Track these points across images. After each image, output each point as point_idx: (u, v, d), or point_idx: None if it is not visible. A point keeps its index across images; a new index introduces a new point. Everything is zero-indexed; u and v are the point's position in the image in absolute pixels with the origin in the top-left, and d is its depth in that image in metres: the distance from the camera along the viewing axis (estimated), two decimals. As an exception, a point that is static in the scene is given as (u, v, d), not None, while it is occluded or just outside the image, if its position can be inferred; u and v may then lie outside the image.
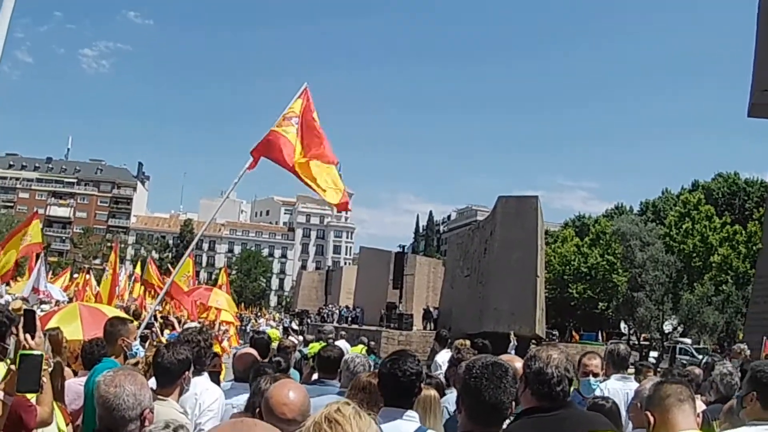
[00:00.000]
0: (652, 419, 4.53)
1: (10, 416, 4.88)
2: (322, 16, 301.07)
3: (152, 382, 5.86)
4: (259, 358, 9.37)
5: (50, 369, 5.88)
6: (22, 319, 5.63)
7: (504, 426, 4.33)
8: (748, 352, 12.24)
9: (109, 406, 4.31)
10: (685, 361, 45.72)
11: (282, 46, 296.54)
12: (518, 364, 5.76)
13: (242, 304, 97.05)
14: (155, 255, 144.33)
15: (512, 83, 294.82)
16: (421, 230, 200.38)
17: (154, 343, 12.15)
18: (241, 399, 7.23)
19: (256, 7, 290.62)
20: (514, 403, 4.23)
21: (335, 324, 58.00)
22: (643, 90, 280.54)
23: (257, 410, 5.17)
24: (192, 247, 13.25)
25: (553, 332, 57.62)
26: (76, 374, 8.57)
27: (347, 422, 2.86)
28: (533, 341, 36.02)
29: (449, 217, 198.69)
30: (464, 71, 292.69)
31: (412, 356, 5.74)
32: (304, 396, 4.38)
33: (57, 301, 25.94)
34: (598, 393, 8.42)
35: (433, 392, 6.95)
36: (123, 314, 11.47)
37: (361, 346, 23.21)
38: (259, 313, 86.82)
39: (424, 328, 56.72)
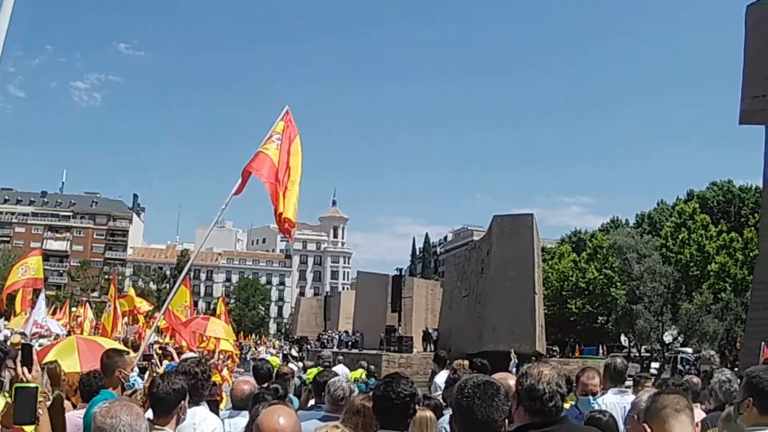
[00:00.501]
0: (649, 431, 4.53)
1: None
2: (312, 36, 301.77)
3: (150, 413, 5.88)
4: (257, 385, 9.38)
5: (49, 402, 5.89)
6: (19, 353, 5.66)
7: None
8: (717, 359, 12.23)
9: None
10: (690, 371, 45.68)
11: (275, 68, 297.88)
12: (512, 381, 5.78)
13: (241, 333, 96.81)
14: (153, 287, 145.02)
15: (503, 101, 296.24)
16: (417, 252, 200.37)
17: (153, 374, 12.15)
18: (240, 425, 7.24)
19: (247, 31, 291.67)
20: (507, 420, 4.23)
21: (335, 349, 58.07)
22: (635, 103, 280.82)
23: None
24: (184, 274, 13.19)
25: (554, 348, 57.74)
26: (75, 407, 8.57)
27: None
28: (534, 358, 36.03)
29: (446, 238, 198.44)
30: (454, 90, 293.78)
31: (405, 378, 5.76)
32: (295, 421, 4.41)
33: (56, 335, 25.89)
34: (595, 407, 8.43)
35: (429, 413, 6.94)
36: (120, 346, 11.49)
37: (360, 370, 23.22)
38: (258, 341, 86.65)
39: (425, 350, 56.61)
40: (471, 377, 4.46)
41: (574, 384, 9.24)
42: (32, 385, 4.99)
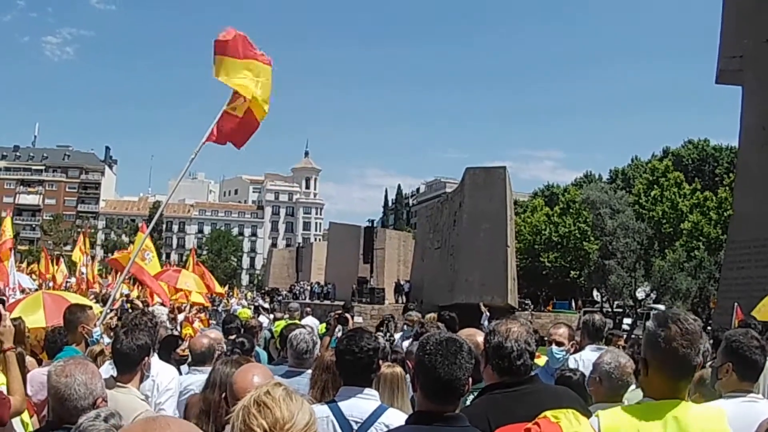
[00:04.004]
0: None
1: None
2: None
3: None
4: (219, 339, 9.25)
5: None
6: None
7: (461, 403, 4.26)
8: (621, 342, 12.16)
9: (61, 397, 4.25)
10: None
11: (245, 22, 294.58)
12: (479, 338, 5.69)
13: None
14: (125, 239, 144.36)
15: (475, 57, 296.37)
16: (390, 204, 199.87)
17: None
18: (199, 380, 7.10)
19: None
20: (471, 379, 4.13)
21: (307, 300, 58.20)
22: (613, 63, 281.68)
23: (217, 388, 5.13)
24: (153, 224, 13.01)
25: (526, 302, 57.86)
26: (40, 363, 8.46)
27: (276, 405, 2.78)
28: (509, 312, 36.17)
29: (418, 190, 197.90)
30: (427, 46, 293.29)
31: (369, 333, 5.68)
32: (269, 377, 4.30)
33: (25, 289, 25.67)
34: (572, 364, 8.36)
35: (399, 369, 6.87)
36: (86, 300, 11.37)
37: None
38: (230, 293, 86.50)
39: (396, 301, 56.58)
40: (433, 334, 4.35)
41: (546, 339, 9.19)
42: None
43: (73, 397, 4.22)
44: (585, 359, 8.44)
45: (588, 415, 3.85)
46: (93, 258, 33.87)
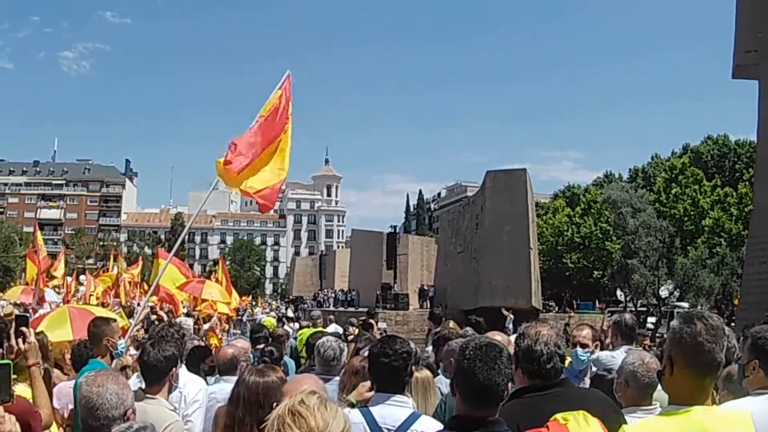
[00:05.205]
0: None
1: (19, 423, 4.76)
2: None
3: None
4: (247, 348, 9.26)
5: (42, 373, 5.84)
6: (13, 324, 5.58)
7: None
8: (647, 341, 11.99)
9: (92, 406, 4.23)
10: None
11: (263, 31, 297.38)
12: (498, 337, 5.66)
13: (238, 294, 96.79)
14: (148, 251, 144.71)
15: (491, 58, 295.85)
16: (411, 209, 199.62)
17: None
18: (225, 390, 7.07)
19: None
20: (510, 384, 4.09)
21: (331, 308, 58.17)
22: (629, 58, 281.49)
23: (242, 404, 5.11)
24: (179, 243, 12.89)
25: (550, 303, 57.77)
26: (68, 377, 8.48)
27: (311, 414, 2.76)
28: (533, 314, 36.06)
29: (439, 194, 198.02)
30: (442, 50, 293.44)
31: (401, 338, 5.65)
32: (321, 389, 4.32)
33: (52, 303, 25.77)
34: (607, 363, 8.28)
35: (427, 373, 6.88)
36: (110, 314, 11.38)
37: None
38: (255, 303, 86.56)
39: (421, 306, 56.57)
40: (473, 338, 4.32)
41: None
42: (4, 361, 4.84)
43: (105, 406, 4.20)
44: (619, 359, 8.37)
45: (621, 416, 3.80)
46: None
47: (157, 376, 5.96)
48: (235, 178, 9.89)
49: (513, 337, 6.43)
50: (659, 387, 5.76)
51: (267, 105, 10.29)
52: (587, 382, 8.24)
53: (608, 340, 9.23)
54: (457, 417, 4.16)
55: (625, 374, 5.95)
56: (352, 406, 5.74)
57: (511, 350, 4.78)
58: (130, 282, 33.61)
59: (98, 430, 4.20)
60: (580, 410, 3.68)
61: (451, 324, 11.84)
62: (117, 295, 29.14)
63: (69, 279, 36.68)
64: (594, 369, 8.46)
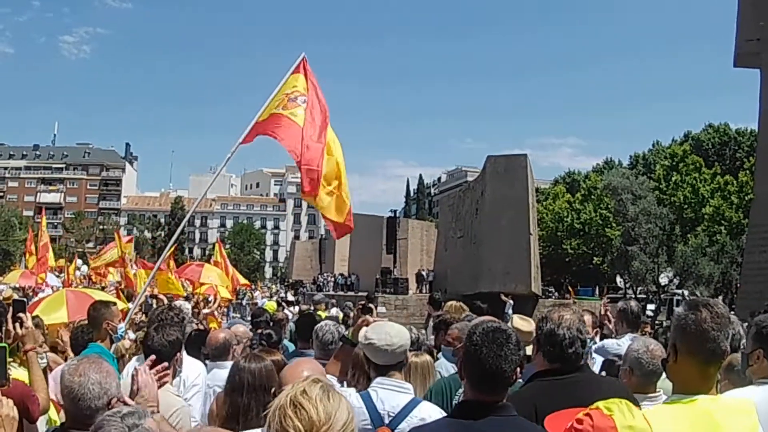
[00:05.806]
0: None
1: (17, 407, 4.71)
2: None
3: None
4: (247, 331, 9.24)
5: (43, 361, 5.83)
6: (11, 308, 5.56)
7: (508, 392, 4.17)
8: (648, 328, 11.92)
9: (74, 397, 4.15)
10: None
11: (265, 19, 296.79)
12: (522, 323, 5.63)
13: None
14: (147, 235, 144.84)
15: (492, 48, 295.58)
16: (411, 194, 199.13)
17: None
18: (219, 375, 7.00)
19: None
20: (518, 369, 4.05)
21: (331, 292, 58.19)
22: (629, 47, 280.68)
23: (245, 391, 5.06)
24: (181, 229, 12.75)
25: (550, 289, 57.79)
26: (66, 360, 8.43)
27: (313, 406, 2.70)
28: (533, 300, 36.11)
29: (439, 179, 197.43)
30: (444, 39, 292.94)
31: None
32: (320, 373, 4.27)
33: (54, 287, 25.81)
34: (614, 350, 8.24)
35: (427, 357, 6.88)
36: (110, 297, 11.34)
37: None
38: (254, 287, 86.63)
39: (420, 291, 56.68)
40: (480, 323, 4.28)
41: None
42: (0, 345, 4.80)
43: (87, 396, 4.11)
44: (625, 346, 8.32)
45: (637, 404, 3.75)
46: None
47: (161, 361, 5.91)
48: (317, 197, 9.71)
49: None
50: (664, 376, 5.75)
51: (284, 86, 9.75)
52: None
53: (612, 326, 9.20)
54: (463, 401, 4.16)
55: (629, 361, 5.92)
56: (353, 345, 5.87)
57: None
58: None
59: (81, 420, 4.12)
60: (616, 398, 3.61)
61: (456, 305, 11.65)
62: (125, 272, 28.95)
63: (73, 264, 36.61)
64: (594, 357, 8.42)
